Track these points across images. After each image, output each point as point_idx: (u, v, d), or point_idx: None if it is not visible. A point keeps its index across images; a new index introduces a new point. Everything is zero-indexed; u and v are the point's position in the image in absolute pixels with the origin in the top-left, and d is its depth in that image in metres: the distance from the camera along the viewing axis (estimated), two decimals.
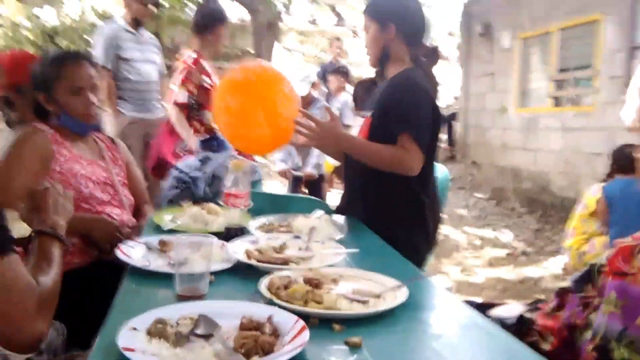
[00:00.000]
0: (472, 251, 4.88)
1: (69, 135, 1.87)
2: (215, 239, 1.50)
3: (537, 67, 6.72)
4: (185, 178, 2.65)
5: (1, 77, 2.27)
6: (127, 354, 0.81)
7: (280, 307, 1.06)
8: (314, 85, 3.96)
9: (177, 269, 1.15)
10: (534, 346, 1.58)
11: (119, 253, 1.36)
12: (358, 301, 1.12)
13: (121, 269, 1.34)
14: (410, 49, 1.90)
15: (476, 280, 4.09)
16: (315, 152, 3.80)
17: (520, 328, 1.57)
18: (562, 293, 1.48)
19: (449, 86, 10.18)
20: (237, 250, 1.42)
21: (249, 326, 0.95)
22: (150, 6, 3.61)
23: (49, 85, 1.82)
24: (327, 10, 16.38)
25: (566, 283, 1.67)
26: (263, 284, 1.18)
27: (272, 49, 9.59)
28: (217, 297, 1.15)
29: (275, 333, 0.94)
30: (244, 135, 1.83)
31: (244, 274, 1.32)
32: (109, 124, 3.51)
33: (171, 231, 1.62)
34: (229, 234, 1.60)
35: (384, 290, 1.20)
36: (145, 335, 0.89)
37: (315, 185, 4.04)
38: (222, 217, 1.70)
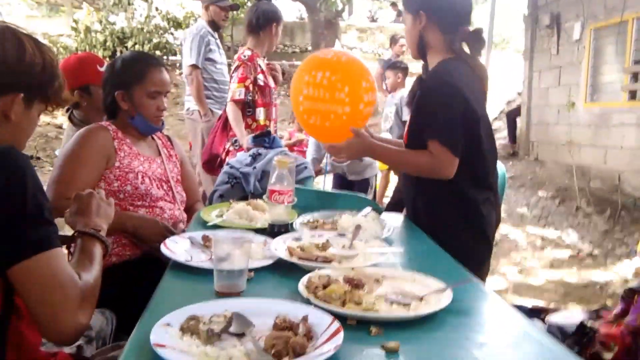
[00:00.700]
0: (532, 252, 4.66)
1: (131, 133, 1.94)
2: (256, 236, 1.50)
3: (610, 59, 6.31)
4: (236, 173, 2.69)
5: (68, 78, 2.39)
6: (158, 350, 0.81)
7: (317, 307, 1.03)
8: None
9: (216, 265, 1.14)
10: (596, 358, 1.47)
11: (163, 248, 1.38)
12: (398, 303, 1.08)
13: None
14: (446, 37, 1.80)
15: (536, 283, 3.90)
16: None
17: (580, 337, 1.46)
18: (629, 295, 1.35)
19: (511, 81, 9.78)
20: (279, 247, 1.41)
21: (283, 326, 0.93)
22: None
23: (129, 85, 1.89)
24: (387, 6, 16.19)
25: (635, 283, 1.53)
26: (302, 282, 1.15)
27: (332, 47, 9.59)
28: (256, 295, 1.14)
29: (309, 334, 0.91)
30: (324, 111, 1.84)
31: (284, 272, 1.30)
32: (203, 122, 3.67)
33: (216, 227, 1.64)
34: (273, 230, 1.59)
35: (428, 293, 1.15)
36: (178, 332, 0.89)
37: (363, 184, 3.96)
38: (267, 213, 1.69)
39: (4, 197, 0.93)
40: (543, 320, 1.58)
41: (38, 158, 6.08)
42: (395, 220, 1.83)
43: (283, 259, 1.34)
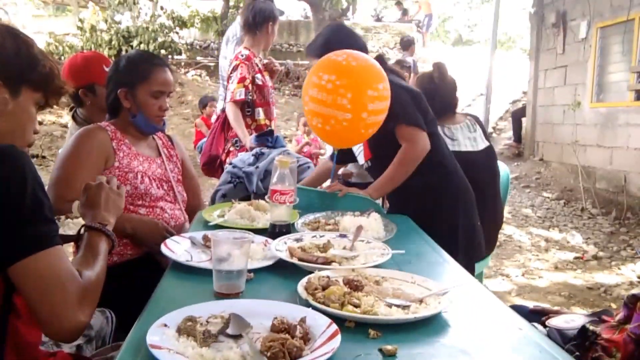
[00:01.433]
0: (536, 253, 4.63)
1: (131, 132, 1.93)
2: (256, 236, 1.50)
3: (617, 59, 6.27)
4: (239, 173, 2.68)
5: (74, 76, 2.40)
6: (153, 351, 0.81)
7: (315, 308, 1.03)
8: None
9: (215, 266, 1.14)
10: None
11: (163, 247, 1.38)
12: (397, 306, 1.07)
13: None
14: None
15: (540, 284, 3.88)
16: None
17: (582, 341, 1.44)
18: (632, 301, 1.33)
19: (517, 80, 9.74)
20: (280, 247, 1.40)
21: (280, 328, 0.92)
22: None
23: (133, 83, 1.89)
24: (392, 5, 16.15)
25: (638, 290, 1.51)
26: (301, 283, 1.15)
27: None
28: (255, 295, 1.14)
29: (306, 336, 0.91)
30: (326, 115, 1.84)
31: (285, 273, 1.30)
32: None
33: (217, 227, 1.63)
34: (274, 230, 1.58)
35: (427, 295, 1.14)
36: (175, 333, 0.89)
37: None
38: (268, 213, 1.69)
39: (3, 195, 0.93)
40: (543, 323, 1.56)
41: (43, 157, 6.11)
42: (398, 221, 1.82)
43: (283, 260, 1.33)
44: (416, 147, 1.98)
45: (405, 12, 15.17)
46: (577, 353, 1.39)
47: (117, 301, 1.55)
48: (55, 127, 7.10)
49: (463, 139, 2.49)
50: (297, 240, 1.51)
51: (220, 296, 1.13)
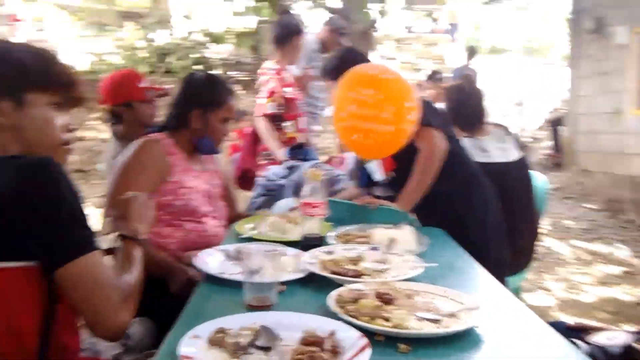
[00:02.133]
0: (580, 267, 4.46)
1: (186, 147, 1.95)
2: (288, 249, 1.51)
3: None
4: (272, 186, 2.72)
5: (111, 94, 2.49)
6: None
7: (345, 322, 1.02)
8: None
9: (247, 278, 1.15)
10: None
11: (196, 259, 1.40)
12: (429, 320, 1.06)
13: None
14: None
15: (584, 299, 3.73)
16: None
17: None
18: None
19: (556, 88, 9.51)
20: (312, 260, 1.41)
21: (310, 341, 0.93)
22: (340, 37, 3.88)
23: (209, 107, 1.91)
24: (423, 16, 16.08)
25: None
26: (332, 296, 1.15)
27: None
28: (287, 308, 1.14)
29: (335, 350, 0.91)
30: (367, 129, 1.85)
31: (316, 285, 1.30)
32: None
33: (250, 239, 1.65)
34: (306, 243, 1.59)
35: (459, 310, 1.12)
36: (206, 344, 0.90)
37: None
38: (301, 226, 1.70)
39: (40, 205, 0.98)
40: (584, 340, 1.51)
41: (84, 171, 6.32)
42: (432, 234, 1.80)
43: (315, 273, 1.34)
44: (432, 146, 1.96)
45: (436, 22, 15.11)
46: None
47: (157, 312, 1.58)
48: (95, 142, 7.33)
49: (494, 150, 2.44)
50: (329, 252, 1.51)
51: (252, 308, 1.14)
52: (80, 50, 11.02)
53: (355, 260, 1.44)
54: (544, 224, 5.68)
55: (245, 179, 3.27)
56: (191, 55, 9.61)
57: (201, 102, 1.92)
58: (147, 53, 9.53)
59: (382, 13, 10.49)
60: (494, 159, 2.44)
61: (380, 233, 1.67)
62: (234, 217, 2.16)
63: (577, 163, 7.42)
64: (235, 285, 1.27)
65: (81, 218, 1.03)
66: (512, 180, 2.45)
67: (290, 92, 3.19)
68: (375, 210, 1.99)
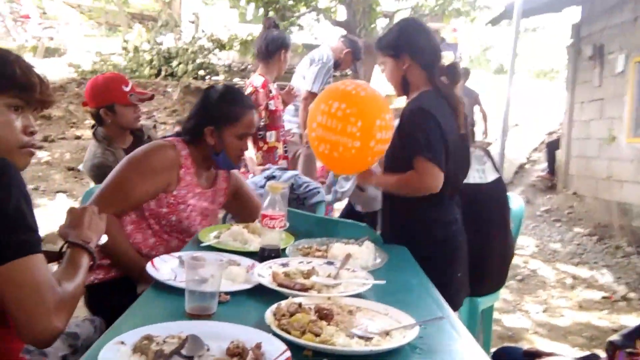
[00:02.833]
0: (561, 290, 4.47)
1: (201, 160, 1.93)
2: (244, 259, 1.53)
3: None
4: None
5: (95, 97, 2.53)
6: None
7: (275, 334, 1.04)
8: None
9: (188, 287, 1.18)
10: None
11: (149, 265, 1.42)
12: (360, 337, 1.08)
13: None
14: (426, 73, 2.02)
15: (561, 323, 3.73)
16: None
17: None
18: (610, 348, 1.29)
19: (554, 111, 9.55)
20: (263, 272, 1.43)
21: (235, 352, 0.95)
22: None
23: (221, 124, 1.87)
24: None
25: (615, 337, 1.47)
26: (270, 309, 1.17)
27: (371, 71, 9.61)
28: (227, 318, 1.15)
29: None
30: (334, 142, 1.86)
31: (264, 298, 1.31)
32: (304, 146, 3.79)
33: (210, 248, 1.67)
34: (264, 254, 1.61)
35: (395, 328, 1.14)
36: (130, 351, 0.92)
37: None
38: (261, 237, 1.72)
39: None
40: None
41: (79, 170, 6.36)
42: (393, 252, 1.82)
43: (263, 285, 1.36)
44: (425, 183, 1.90)
45: (443, 39, 15.18)
46: None
47: (113, 312, 1.59)
48: (85, 143, 7.39)
49: (471, 172, 2.46)
50: (283, 265, 1.53)
51: (191, 317, 1.16)
52: (86, 50, 11.13)
53: (307, 274, 1.46)
54: (532, 246, 5.69)
55: None
56: (196, 61, 9.69)
57: (213, 118, 1.88)
58: (151, 56, 9.60)
59: (385, 28, 10.56)
60: (470, 180, 2.46)
61: (339, 247, 1.69)
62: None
63: (569, 187, 7.43)
64: (182, 293, 1.29)
65: (26, 221, 1.04)
66: (487, 202, 2.46)
67: (274, 104, 3.26)
68: (341, 225, 2.01)
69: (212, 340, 0.99)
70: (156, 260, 1.47)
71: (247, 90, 3.24)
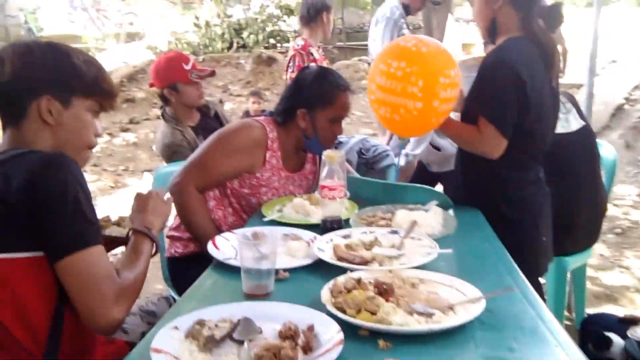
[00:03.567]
0: None
1: (291, 143, 1.89)
2: (306, 233, 1.50)
3: None
4: None
5: (158, 77, 2.59)
6: (153, 354, 0.85)
7: (329, 314, 1.01)
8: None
9: (243, 266, 1.17)
10: None
11: (210, 245, 1.43)
12: (420, 313, 1.01)
13: None
14: (520, 15, 1.76)
15: None
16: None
17: None
18: None
19: None
20: (322, 246, 1.39)
21: (287, 334, 0.92)
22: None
23: (315, 106, 1.83)
24: None
25: None
26: (327, 286, 1.13)
27: (445, 22, 9.10)
28: (286, 297, 1.13)
29: (308, 345, 0.90)
30: (395, 104, 1.76)
31: (324, 273, 1.27)
32: None
33: (273, 222, 1.66)
34: (325, 226, 1.58)
35: (459, 302, 1.06)
36: (183, 336, 0.93)
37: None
38: (322, 209, 1.67)
39: (46, 198, 1.04)
40: (626, 333, 1.37)
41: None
42: (466, 216, 1.71)
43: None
44: (483, 147, 1.75)
45: None
46: None
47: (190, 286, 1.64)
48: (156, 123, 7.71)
49: None
50: (345, 236, 1.49)
51: (249, 297, 1.15)
52: (162, 30, 11.54)
53: (369, 245, 1.41)
54: (632, 196, 5.20)
55: None
56: (266, 29, 9.70)
57: (307, 101, 1.83)
58: (222, 29, 9.74)
59: None
60: None
61: (402, 215, 1.62)
62: None
63: None
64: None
65: (84, 213, 1.07)
66: (574, 153, 2.25)
67: None
68: (408, 190, 1.92)
69: (266, 321, 0.98)
70: (218, 238, 1.48)
71: (289, 54, 3.33)
